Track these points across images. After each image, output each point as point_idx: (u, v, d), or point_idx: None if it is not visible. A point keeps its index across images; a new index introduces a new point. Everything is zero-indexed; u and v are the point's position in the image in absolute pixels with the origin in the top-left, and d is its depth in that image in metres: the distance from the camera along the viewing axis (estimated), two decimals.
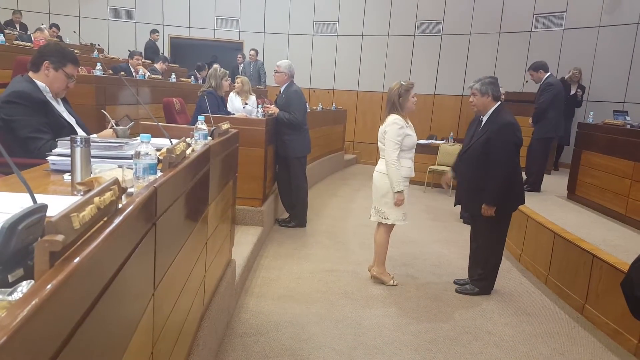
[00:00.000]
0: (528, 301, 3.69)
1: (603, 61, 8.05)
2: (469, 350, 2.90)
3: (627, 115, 5.47)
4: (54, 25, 9.19)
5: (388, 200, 3.62)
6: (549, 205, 4.99)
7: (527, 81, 8.76)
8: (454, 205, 3.90)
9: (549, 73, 5.82)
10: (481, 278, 3.71)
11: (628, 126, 4.86)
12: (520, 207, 3.93)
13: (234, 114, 5.47)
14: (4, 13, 8.56)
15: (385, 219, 3.66)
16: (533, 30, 9.12)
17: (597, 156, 5.05)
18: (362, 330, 3.05)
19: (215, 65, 5.43)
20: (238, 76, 5.37)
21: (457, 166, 3.89)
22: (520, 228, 4.58)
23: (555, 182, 5.87)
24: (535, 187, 5.71)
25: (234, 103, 5.98)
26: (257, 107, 5.68)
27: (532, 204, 4.81)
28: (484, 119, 3.56)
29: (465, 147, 3.70)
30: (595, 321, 3.30)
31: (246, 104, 6.01)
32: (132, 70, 7.04)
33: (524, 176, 5.87)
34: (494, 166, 3.41)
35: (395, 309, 3.41)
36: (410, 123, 3.65)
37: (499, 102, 3.55)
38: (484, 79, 3.55)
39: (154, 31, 10.13)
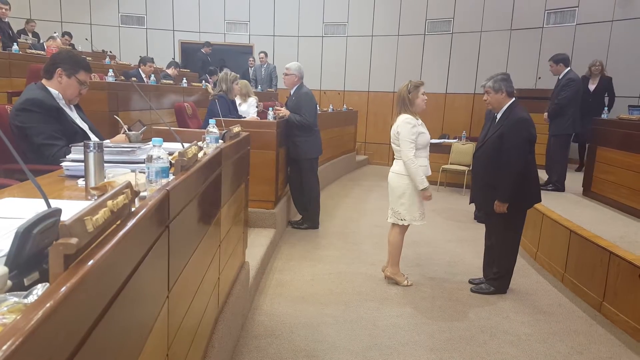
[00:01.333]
0: (544, 299, 3.64)
1: (617, 56, 7.92)
2: (485, 349, 2.88)
3: None
4: (66, 33, 9.31)
5: (404, 201, 3.60)
6: (565, 203, 4.93)
7: (539, 78, 8.68)
8: (469, 203, 3.88)
9: (568, 68, 5.69)
10: (496, 277, 3.67)
11: None
12: (536, 205, 3.88)
13: (244, 117, 5.49)
14: (17, 22, 8.69)
15: (401, 219, 3.64)
16: (545, 26, 9.01)
17: (613, 152, 4.97)
18: (377, 331, 3.04)
19: (226, 70, 5.46)
20: (237, 81, 5.39)
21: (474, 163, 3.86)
22: (536, 226, 4.53)
23: (570, 179, 5.79)
24: (560, 187, 5.59)
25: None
26: (258, 107, 5.80)
27: (547, 201, 4.75)
28: (499, 116, 3.54)
29: (479, 144, 3.67)
30: (613, 319, 3.25)
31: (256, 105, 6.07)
32: (144, 76, 7.11)
33: (546, 176, 5.80)
34: (506, 162, 3.38)
35: (410, 309, 3.39)
36: (421, 122, 3.63)
37: (514, 99, 3.52)
38: (496, 76, 3.52)
39: (207, 44, 10.24)
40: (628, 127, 4.80)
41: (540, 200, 3.64)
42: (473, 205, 3.95)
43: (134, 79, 6.38)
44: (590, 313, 3.42)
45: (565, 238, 3.93)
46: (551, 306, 3.53)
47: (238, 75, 5.46)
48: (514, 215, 3.49)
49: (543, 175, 5.85)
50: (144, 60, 7.38)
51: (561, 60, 5.68)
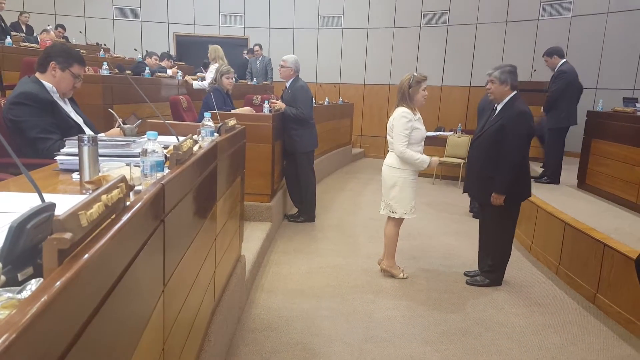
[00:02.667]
0: (539, 291, 3.67)
1: (612, 48, 7.93)
2: (480, 341, 2.90)
3: (637, 103, 5.38)
4: (59, 26, 9.21)
5: (396, 194, 3.61)
6: (559, 195, 4.95)
7: (535, 70, 8.69)
8: (462, 193, 3.89)
9: (564, 60, 5.65)
10: (491, 269, 3.69)
11: (638, 113, 4.79)
12: (531, 197, 3.90)
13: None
14: (10, 15, 8.59)
15: (393, 212, 3.65)
16: (540, 18, 9.01)
17: (607, 144, 4.99)
18: (373, 324, 3.05)
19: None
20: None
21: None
22: (531, 218, 4.55)
23: (565, 172, 5.81)
24: (554, 179, 5.60)
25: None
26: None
27: (542, 194, 4.78)
28: (499, 107, 3.54)
29: (476, 135, 3.67)
30: (607, 310, 3.28)
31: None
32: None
33: (541, 168, 5.82)
34: (506, 154, 3.39)
35: (405, 301, 3.41)
36: (419, 116, 3.62)
37: (515, 92, 3.52)
38: (504, 67, 3.50)
39: (250, 51, 10.37)
40: (623, 120, 4.82)
41: (530, 195, 3.66)
42: (468, 198, 3.96)
43: (129, 72, 6.34)
44: (584, 305, 3.45)
45: (560, 230, 3.95)
46: (545, 298, 3.56)
47: (231, 68, 5.41)
48: (508, 208, 3.51)
49: (536, 168, 5.88)
50: (150, 54, 7.44)
51: (554, 52, 5.66)
